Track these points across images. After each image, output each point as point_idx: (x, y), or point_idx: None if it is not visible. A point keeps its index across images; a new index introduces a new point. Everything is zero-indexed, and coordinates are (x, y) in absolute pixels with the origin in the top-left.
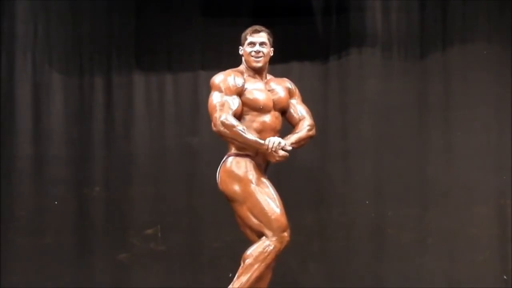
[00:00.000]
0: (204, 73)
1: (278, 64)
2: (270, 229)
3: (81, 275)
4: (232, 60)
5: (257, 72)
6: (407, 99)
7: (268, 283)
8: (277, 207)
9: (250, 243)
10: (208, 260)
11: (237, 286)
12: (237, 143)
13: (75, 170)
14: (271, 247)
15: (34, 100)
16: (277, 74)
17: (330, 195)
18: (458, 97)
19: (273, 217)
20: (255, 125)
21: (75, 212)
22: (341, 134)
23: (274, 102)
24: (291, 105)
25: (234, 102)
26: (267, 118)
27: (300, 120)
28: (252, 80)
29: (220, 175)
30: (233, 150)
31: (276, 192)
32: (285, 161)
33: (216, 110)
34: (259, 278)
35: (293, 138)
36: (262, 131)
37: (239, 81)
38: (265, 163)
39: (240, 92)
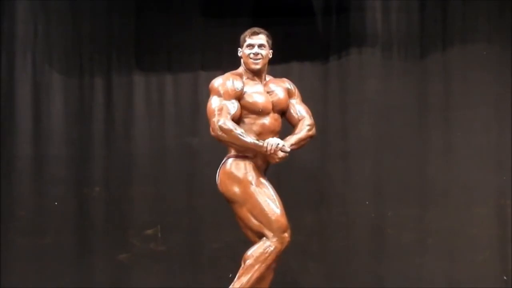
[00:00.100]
0: (204, 73)
1: (278, 64)
2: (271, 230)
3: (81, 275)
4: (232, 61)
5: (256, 74)
6: (407, 99)
7: (270, 284)
8: (277, 207)
9: (251, 243)
10: (208, 260)
11: (237, 287)
12: (236, 146)
13: (75, 170)
14: (272, 248)
15: (34, 100)
16: (277, 74)
17: (330, 195)
18: (458, 97)
19: (273, 218)
20: (255, 127)
21: (75, 212)
22: (341, 134)
23: (273, 104)
24: (290, 105)
25: (233, 107)
26: (266, 120)
27: (299, 120)
28: (251, 82)
29: (219, 177)
30: (232, 152)
31: (275, 193)
32: (286, 160)
33: (214, 115)
34: (260, 279)
35: (292, 139)
36: (261, 134)
37: (238, 84)
38: (265, 164)
39: (239, 96)
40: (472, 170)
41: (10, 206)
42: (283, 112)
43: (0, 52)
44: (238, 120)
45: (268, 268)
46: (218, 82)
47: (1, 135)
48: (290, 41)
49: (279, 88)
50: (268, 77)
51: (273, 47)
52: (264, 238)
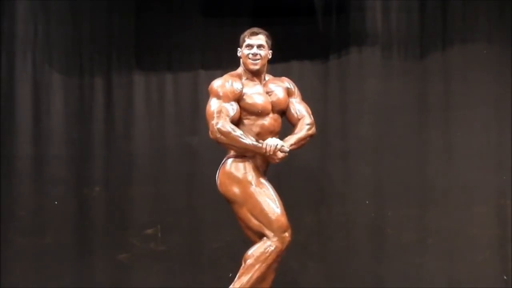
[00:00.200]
0: (204, 73)
1: (278, 63)
2: (271, 229)
3: (81, 275)
4: (232, 60)
5: (255, 75)
6: (407, 99)
7: (271, 284)
8: (277, 207)
9: (251, 243)
10: (208, 260)
11: (238, 286)
12: (236, 148)
13: (75, 170)
14: (272, 248)
15: (34, 100)
16: (277, 74)
17: (330, 195)
18: (458, 97)
19: (273, 217)
20: (254, 128)
21: (75, 212)
22: (341, 134)
23: (272, 105)
24: (290, 105)
25: (232, 109)
26: (266, 121)
27: (299, 119)
28: (251, 83)
29: (219, 177)
30: (232, 152)
31: (275, 192)
32: (286, 160)
33: (213, 117)
34: (260, 279)
35: (292, 139)
36: (261, 134)
37: (237, 86)
38: (265, 164)
39: (238, 98)
40: (472, 170)
41: (10, 206)
42: (283, 112)
43: (0, 52)
44: (237, 121)
45: (268, 268)
46: (217, 84)
47: (1, 135)
48: (290, 41)
49: (278, 88)
50: (267, 77)
51: (273, 47)
52: (265, 238)
